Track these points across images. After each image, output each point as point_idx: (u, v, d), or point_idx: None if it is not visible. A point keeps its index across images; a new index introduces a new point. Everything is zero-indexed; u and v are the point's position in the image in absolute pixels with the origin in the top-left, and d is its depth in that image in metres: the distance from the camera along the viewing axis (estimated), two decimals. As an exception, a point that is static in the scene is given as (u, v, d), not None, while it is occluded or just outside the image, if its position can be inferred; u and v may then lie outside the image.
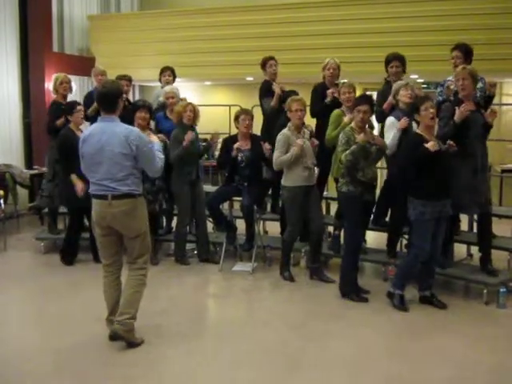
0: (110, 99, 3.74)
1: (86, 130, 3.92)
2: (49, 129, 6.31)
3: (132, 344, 3.83)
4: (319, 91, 5.79)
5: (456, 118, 4.65)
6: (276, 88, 5.95)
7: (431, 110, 4.39)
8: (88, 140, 3.76)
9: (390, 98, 5.27)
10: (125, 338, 3.80)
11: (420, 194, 4.43)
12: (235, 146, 5.56)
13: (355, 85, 5.50)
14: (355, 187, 4.69)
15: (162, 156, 3.97)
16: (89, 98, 6.55)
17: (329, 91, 5.66)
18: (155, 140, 4.14)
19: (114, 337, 3.84)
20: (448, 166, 4.46)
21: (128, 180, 3.72)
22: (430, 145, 4.29)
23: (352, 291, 4.84)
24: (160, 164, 3.91)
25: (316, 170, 5.48)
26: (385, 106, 5.31)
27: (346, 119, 5.18)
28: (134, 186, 3.76)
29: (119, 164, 3.68)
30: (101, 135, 3.70)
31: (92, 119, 6.21)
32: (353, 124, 4.79)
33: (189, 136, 5.54)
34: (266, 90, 6.12)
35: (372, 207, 5.11)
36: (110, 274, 3.94)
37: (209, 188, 6.61)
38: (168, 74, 6.63)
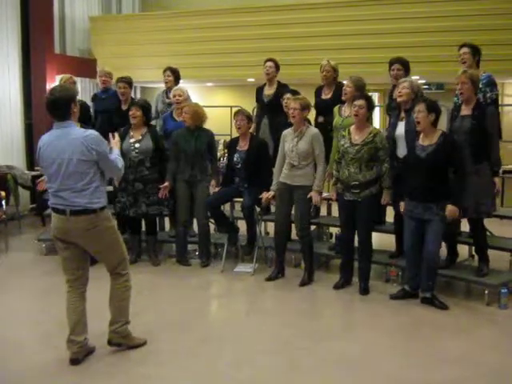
0: (60, 107, 3.42)
1: (42, 137, 3.58)
2: None
3: (133, 347, 3.82)
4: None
5: None
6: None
7: (419, 115, 4.38)
8: (44, 148, 3.49)
9: None
10: (123, 344, 3.78)
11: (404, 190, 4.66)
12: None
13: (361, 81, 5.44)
14: (338, 185, 5.02)
15: (122, 162, 3.72)
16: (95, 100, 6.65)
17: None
18: (115, 147, 3.82)
19: (75, 361, 3.58)
20: (431, 169, 4.44)
21: (88, 190, 3.45)
22: None
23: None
24: (122, 164, 3.68)
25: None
26: None
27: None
28: (94, 197, 3.48)
29: (78, 172, 3.42)
30: (57, 142, 3.44)
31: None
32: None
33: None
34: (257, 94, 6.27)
35: (358, 207, 4.92)
36: (74, 289, 3.65)
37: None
38: (167, 74, 6.60)
